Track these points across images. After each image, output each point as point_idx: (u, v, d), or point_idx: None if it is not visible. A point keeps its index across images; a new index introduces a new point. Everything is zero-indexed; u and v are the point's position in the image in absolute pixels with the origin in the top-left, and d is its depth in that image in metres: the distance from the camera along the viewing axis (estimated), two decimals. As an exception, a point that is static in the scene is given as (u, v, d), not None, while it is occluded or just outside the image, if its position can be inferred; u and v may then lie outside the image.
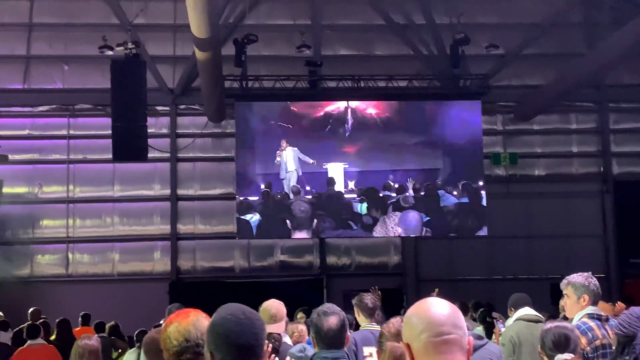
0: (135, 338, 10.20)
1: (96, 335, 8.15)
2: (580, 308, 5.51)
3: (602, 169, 21.30)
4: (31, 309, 13.45)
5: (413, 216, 18.68)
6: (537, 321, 7.16)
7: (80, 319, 13.73)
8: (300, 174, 18.62)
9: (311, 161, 18.60)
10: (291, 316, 11.16)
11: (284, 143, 18.65)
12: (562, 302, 5.78)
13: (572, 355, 4.55)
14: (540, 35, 21.00)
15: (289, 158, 18.59)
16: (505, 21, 20.85)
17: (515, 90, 20.91)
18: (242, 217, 18.57)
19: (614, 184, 21.12)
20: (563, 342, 4.57)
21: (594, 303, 5.56)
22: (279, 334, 5.97)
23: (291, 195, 18.52)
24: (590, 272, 5.74)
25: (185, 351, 3.22)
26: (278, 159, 18.63)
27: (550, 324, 4.81)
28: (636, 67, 20.34)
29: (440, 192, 18.86)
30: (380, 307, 7.21)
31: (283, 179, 18.60)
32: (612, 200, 21.03)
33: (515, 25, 20.87)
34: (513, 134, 21.28)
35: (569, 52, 20.46)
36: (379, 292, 10.55)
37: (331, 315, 4.54)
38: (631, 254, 20.59)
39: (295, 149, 18.66)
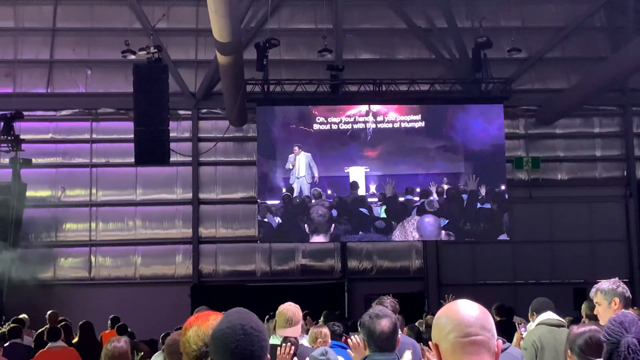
0: (160, 341, 10.22)
1: (124, 337, 8.18)
2: (613, 312, 5.44)
3: (625, 173, 21.12)
4: (49, 312, 13.51)
5: (429, 222, 18.60)
6: (560, 326, 7.10)
7: (109, 321, 13.77)
8: (311, 180, 18.60)
9: (316, 174, 18.58)
10: (315, 319, 11.17)
11: (296, 148, 18.65)
12: (593, 311, 5.69)
13: None
14: (563, 39, 20.92)
15: (302, 164, 18.59)
16: (528, 25, 20.79)
17: (537, 94, 20.82)
18: (264, 220, 18.59)
19: (637, 187, 20.93)
20: (597, 346, 4.53)
21: (625, 306, 5.52)
22: (296, 338, 5.96)
23: (312, 200, 18.52)
24: (617, 278, 5.71)
25: (204, 356, 3.18)
26: (290, 166, 18.60)
27: (583, 328, 4.76)
28: (660, 70, 20.19)
29: (464, 196, 18.76)
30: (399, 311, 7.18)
31: (292, 184, 18.59)
32: (635, 204, 20.85)
33: (538, 29, 20.81)
34: (535, 138, 21.16)
35: (592, 56, 20.36)
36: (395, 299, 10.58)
37: (383, 318, 4.54)
38: (655, 259, 20.43)
39: (309, 154, 18.66)
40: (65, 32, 20.55)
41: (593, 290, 5.64)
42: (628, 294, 5.59)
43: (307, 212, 18.47)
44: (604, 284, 5.57)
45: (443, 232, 18.78)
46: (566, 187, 20.93)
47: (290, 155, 18.61)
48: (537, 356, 6.94)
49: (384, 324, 4.51)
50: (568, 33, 20.87)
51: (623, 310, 5.47)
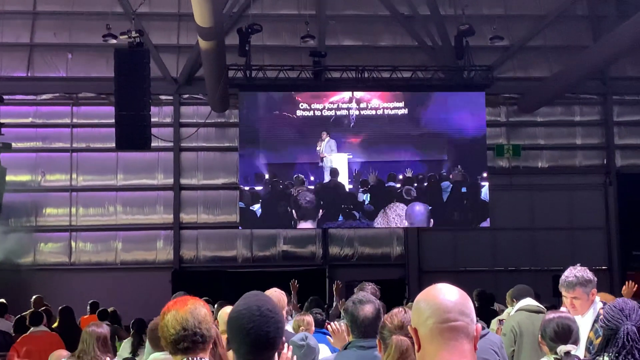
0: (131, 327, 10.20)
1: (105, 323, 8.18)
2: (590, 303, 5.46)
3: (605, 162, 21.27)
4: (34, 297, 13.48)
5: (419, 209, 18.66)
6: (539, 312, 7.16)
7: (88, 307, 13.76)
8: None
9: (328, 155, 18.63)
10: (299, 303, 11.20)
11: (323, 134, 18.67)
12: (566, 305, 5.63)
13: (575, 347, 4.54)
14: (545, 27, 20.99)
15: (324, 149, 18.64)
16: (510, 13, 20.83)
17: (519, 82, 20.89)
18: (247, 206, 18.58)
19: (617, 176, 21.09)
20: (565, 333, 4.57)
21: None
22: (280, 324, 5.95)
23: (295, 186, 18.51)
24: (579, 264, 5.66)
25: (182, 340, 3.20)
26: (318, 148, 18.65)
27: (552, 314, 4.79)
28: (640, 59, 20.34)
29: (445, 183, 18.82)
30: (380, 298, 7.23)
31: (321, 166, 18.67)
32: (615, 192, 21.01)
33: (520, 16, 20.85)
34: (517, 125, 21.25)
35: (573, 44, 20.41)
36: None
37: (367, 303, 4.53)
38: (634, 247, 20.60)
39: (332, 140, 18.68)
40: (46, 15, 20.36)
41: (567, 284, 5.49)
42: None
43: (290, 198, 18.48)
44: (578, 275, 5.49)
45: (429, 219, 18.86)
46: (547, 174, 21.05)
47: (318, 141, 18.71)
48: (516, 342, 7.00)
49: (368, 309, 4.50)
50: (550, 21, 20.92)
51: (622, 298, 5.48)
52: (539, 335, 4.76)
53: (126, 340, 10.02)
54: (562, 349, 4.44)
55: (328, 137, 18.70)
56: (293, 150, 18.75)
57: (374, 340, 4.51)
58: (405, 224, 18.92)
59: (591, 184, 21.14)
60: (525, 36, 20.86)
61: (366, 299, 4.58)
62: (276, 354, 3.17)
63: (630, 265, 20.48)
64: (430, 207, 18.67)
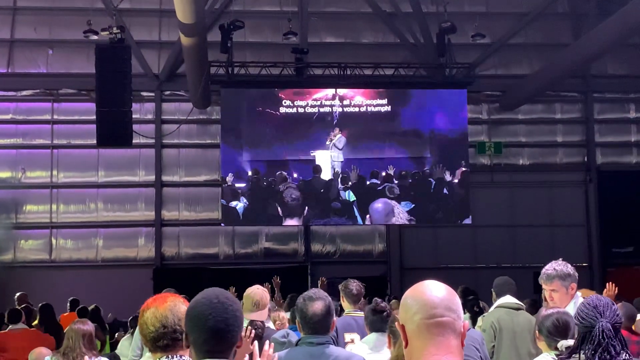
0: (129, 324, 10.23)
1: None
2: (570, 297, 5.49)
3: (585, 159, 21.39)
4: (18, 294, 13.42)
5: (377, 207, 18.68)
6: (518, 309, 7.23)
7: (68, 304, 13.69)
8: (341, 160, 18.71)
9: (333, 152, 18.62)
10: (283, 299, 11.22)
11: (336, 130, 18.66)
12: (545, 297, 5.69)
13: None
14: (527, 25, 21.07)
15: (333, 146, 18.65)
16: (491, 10, 20.89)
17: (500, 79, 20.96)
18: (228, 203, 18.53)
19: (597, 173, 21.22)
20: (565, 328, 4.60)
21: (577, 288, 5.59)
22: (262, 322, 5.96)
23: (279, 183, 18.47)
24: (560, 259, 5.71)
25: (162, 337, 3.17)
26: (328, 142, 18.63)
27: (550, 310, 4.83)
28: (620, 57, 20.48)
29: (430, 180, 18.86)
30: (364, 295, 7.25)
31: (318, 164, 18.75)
32: (595, 189, 21.14)
33: (501, 14, 20.92)
34: (498, 123, 21.33)
35: (555, 42, 20.53)
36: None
37: (317, 300, 4.52)
38: (614, 243, 20.77)
39: (343, 138, 18.68)
40: (26, 10, 20.21)
41: (546, 276, 5.55)
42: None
43: (275, 195, 18.45)
44: (558, 268, 5.54)
45: (394, 217, 18.84)
46: (527, 172, 21.15)
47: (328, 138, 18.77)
48: (496, 338, 7.06)
49: (317, 306, 4.49)
50: (531, 19, 21.00)
51: (596, 294, 5.52)
52: (536, 330, 4.79)
53: (125, 337, 10.01)
54: (563, 343, 4.46)
55: (340, 134, 18.71)
56: (276, 147, 18.72)
57: (324, 336, 4.50)
58: (367, 219, 18.92)
59: (572, 182, 21.27)
60: (506, 34, 20.94)
61: (316, 296, 4.56)
62: (256, 346, 3.16)
63: (610, 262, 20.63)
64: (395, 204, 18.68)
